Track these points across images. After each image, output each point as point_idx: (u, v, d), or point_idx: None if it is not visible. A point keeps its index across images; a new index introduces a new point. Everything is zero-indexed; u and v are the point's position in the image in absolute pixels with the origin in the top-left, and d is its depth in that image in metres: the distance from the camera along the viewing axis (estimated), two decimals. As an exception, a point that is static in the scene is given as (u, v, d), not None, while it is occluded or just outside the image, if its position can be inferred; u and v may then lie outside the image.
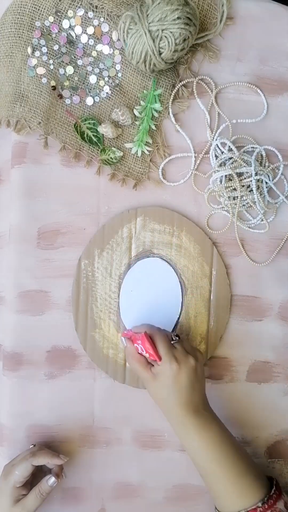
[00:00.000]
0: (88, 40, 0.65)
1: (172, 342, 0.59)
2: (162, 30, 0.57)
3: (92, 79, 0.65)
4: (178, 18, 0.57)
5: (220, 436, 0.57)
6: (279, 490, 0.57)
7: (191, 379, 0.57)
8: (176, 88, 0.66)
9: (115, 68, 0.65)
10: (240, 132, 0.67)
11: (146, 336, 0.58)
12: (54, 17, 0.64)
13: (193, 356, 0.58)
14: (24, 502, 0.59)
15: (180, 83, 0.66)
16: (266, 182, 0.66)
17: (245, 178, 0.65)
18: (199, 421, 0.57)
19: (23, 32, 0.64)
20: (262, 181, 0.66)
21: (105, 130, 0.64)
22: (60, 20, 0.64)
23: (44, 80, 0.64)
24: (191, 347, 0.60)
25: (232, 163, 0.65)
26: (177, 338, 0.59)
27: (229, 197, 0.66)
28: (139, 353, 0.59)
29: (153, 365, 0.58)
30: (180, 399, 0.57)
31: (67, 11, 0.64)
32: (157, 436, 0.67)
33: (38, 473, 0.61)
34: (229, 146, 0.65)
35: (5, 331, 0.66)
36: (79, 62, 0.65)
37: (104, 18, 0.64)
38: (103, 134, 0.65)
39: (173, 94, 0.66)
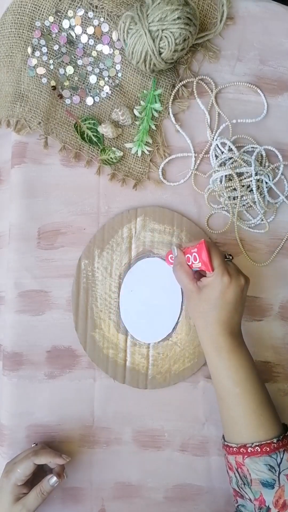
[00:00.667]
0: (88, 40, 0.65)
1: (225, 260, 0.58)
2: (162, 30, 0.57)
3: (92, 79, 0.65)
4: (178, 18, 0.57)
5: (248, 363, 0.57)
6: None
7: (237, 297, 0.56)
8: (176, 88, 0.66)
9: (115, 68, 0.65)
10: (240, 132, 0.67)
11: (205, 243, 0.57)
12: (54, 17, 0.64)
13: (243, 277, 0.58)
14: (25, 500, 0.59)
15: (180, 83, 0.66)
16: (266, 182, 0.66)
17: (245, 178, 0.65)
18: (232, 343, 0.57)
19: (23, 32, 0.64)
20: (262, 181, 0.66)
21: (105, 130, 0.64)
22: (60, 20, 0.64)
23: (44, 80, 0.64)
24: (243, 273, 0.59)
25: (232, 163, 0.65)
26: (231, 257, 0.59)
27: (229, 197, 0.66)
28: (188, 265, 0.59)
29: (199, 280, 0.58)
30: (220, 316, 0.57)
31: (67, 11, 0.64)
32: (157, 436, 0.67)
33: (39, 472, 0.61)
34: (229, 146, 0.65)
35: (5, 331, 0.66)
36: (79, 62, 0.65)
37: (104, 18, 0.64)
38: (103, 134, 0.65)
39: (173, 94, 0.66)
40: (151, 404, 0.67)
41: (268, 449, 0.54)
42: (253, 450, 0.54)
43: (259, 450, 0.54)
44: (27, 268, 0.66)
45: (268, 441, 0.54)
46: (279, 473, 0.54)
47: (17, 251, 0.66)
